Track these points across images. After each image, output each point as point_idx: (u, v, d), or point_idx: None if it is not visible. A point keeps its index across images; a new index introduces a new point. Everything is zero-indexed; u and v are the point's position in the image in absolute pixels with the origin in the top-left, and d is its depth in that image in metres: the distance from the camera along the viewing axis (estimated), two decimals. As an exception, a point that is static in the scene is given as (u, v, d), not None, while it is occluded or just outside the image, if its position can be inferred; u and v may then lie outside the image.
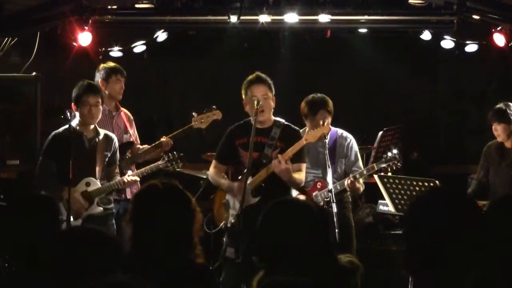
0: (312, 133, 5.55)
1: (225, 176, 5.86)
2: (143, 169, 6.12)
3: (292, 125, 5.76)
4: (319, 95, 6.12)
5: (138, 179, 5.98)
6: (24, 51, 7.47)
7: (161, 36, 7.95)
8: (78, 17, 6.81)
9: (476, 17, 7.01)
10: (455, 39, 7.89)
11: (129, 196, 6.41)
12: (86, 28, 6.88)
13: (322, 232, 3.07)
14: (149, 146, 6.58)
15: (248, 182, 5.44)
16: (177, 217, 3.23)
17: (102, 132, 5.98)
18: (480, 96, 9.25)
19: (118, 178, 5.97)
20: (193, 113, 6.54)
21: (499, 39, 7.13)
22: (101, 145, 5.91)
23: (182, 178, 7.17)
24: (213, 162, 5.88)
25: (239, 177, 5.64)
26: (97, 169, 5.86)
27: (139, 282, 2.34)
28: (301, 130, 5.89)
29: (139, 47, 8.10)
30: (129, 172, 6.06)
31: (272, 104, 5.66)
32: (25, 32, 7.18)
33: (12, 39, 7.16)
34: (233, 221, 5.51)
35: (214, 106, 6.59)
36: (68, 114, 5.60)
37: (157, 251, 3.18)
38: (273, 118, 5.71)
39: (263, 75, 5.68)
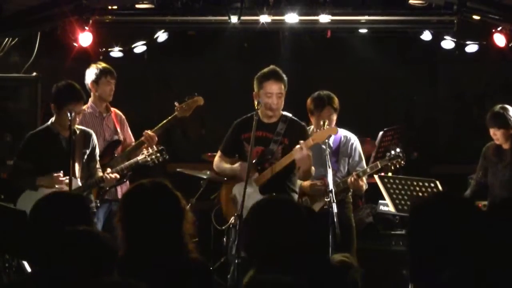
0: (319, 133, 5.50)
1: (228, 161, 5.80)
2: (122, 165, 6.07)
3: (298, 120, 5.74)
4: (325, 92, 6.10)
5: (118, 176, 5.89)
6: (24, 51, 7.47)
7: (161, 36, 7.94)
8: (78, 17, 6.80)
9: (476, 17, 7.01)
10: (455, 40, 7.88)
11: (120, 196, 6.32)
12: (86, 28, 6.88)
13: (309, 231, 3.08)
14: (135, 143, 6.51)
15: (254, 178, 5.45)
16: (165, 215, 3.23)
17: (78, 129, 5.86)
18: (480, 96, 9.24)
19: (99, 175, 5.88)
20: (175, 103, 6.53)
21: (500, 40, 7.13)
22: (79, 142, 5.80)
23: (182, 178, 7.25)
24: (218, 153, 5.86)
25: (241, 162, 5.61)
26: (77, 167, 5.76)
27: (132, 283, 2.35)
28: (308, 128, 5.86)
29: (139, 47, 8.08)
30: (108, 170, 5.92)
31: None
32: (25, 32, 7.19)
33: (12, 39, 7.17)
34: (233, 221, 5.49)
35: (196, 93, 6.57)
36: (69, 114, 5.59)
37: (147, 249, 3.19)
38: (281, 112, 5.68)
39: (280, 71, 5.61)
